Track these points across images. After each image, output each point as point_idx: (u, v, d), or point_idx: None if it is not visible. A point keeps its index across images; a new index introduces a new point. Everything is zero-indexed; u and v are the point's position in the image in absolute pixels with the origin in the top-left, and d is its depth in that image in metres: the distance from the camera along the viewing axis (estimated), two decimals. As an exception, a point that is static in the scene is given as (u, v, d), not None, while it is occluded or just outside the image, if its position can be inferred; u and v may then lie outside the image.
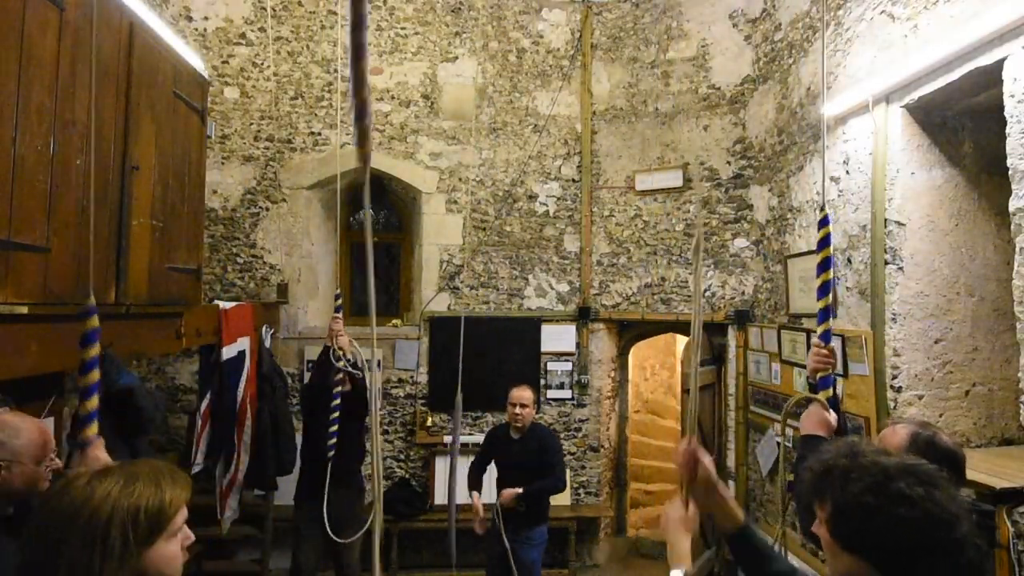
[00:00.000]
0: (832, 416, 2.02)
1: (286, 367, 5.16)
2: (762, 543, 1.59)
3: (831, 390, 2.07)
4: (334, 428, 3.77)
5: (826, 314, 2.05)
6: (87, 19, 2.46)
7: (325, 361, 3.81)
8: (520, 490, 3.70)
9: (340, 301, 3.85)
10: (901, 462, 1.20)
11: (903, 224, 3.25)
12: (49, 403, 2.50)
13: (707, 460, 1.54)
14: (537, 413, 5.25)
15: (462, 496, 5.19)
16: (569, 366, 5.55)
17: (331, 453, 3.79)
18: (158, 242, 3.11)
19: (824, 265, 2.07)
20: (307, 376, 5.29)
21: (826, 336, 2.05)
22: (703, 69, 5.34)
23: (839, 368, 3.64)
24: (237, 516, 4.23)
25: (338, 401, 3.78)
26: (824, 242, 2.08)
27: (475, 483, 4.00)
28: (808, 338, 3.98)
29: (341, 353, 3.75)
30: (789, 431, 3.51)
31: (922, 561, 1.11)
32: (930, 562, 1.11)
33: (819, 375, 2.06)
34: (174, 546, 1.09)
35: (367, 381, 3.89)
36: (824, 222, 2.08)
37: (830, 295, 2.06)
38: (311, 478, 3.90)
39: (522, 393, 3.89)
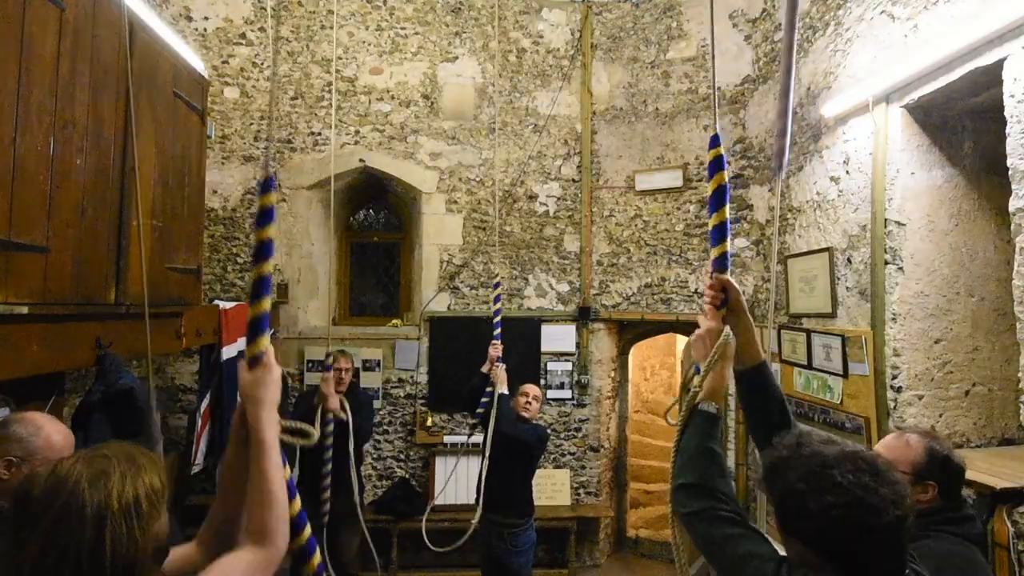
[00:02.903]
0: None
1: (286, 367, 5.16)
2: (775, 382, 1.65)
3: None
4: (329, 441, 3.78)
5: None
6: (87, 19, 2.47)
7: (307, 413, 3.74)
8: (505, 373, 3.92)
9: (331, 360, 3.73)
10: (842, 450, 1.22)
11: (903, 224, 3.25)
12: (49, 403, 2.50)
13: (735, 287, 1.66)
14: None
15: (461, 496, 5.23)
16: (569, 366, 5.54)
17: (328, 454, 3.80)
18: (158, 242, 3.12)
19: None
20: (307, 376, 5.30)
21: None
22: (703, 69, 5.34)
23: (839, 368, 3.64)
24: (237, 516, 4.23)
25: (331, 428, 3.79)
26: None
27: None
28: (808, 338, 3.98)
29: (330, 414, 3.75)
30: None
31: (857, 545, 1.14)
32: (864, 546, 1.13)
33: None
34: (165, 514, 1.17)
35: (351, 426, 3.88)
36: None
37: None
38: (309, 478, 3.90)
39: (536, 389, 4.03)
